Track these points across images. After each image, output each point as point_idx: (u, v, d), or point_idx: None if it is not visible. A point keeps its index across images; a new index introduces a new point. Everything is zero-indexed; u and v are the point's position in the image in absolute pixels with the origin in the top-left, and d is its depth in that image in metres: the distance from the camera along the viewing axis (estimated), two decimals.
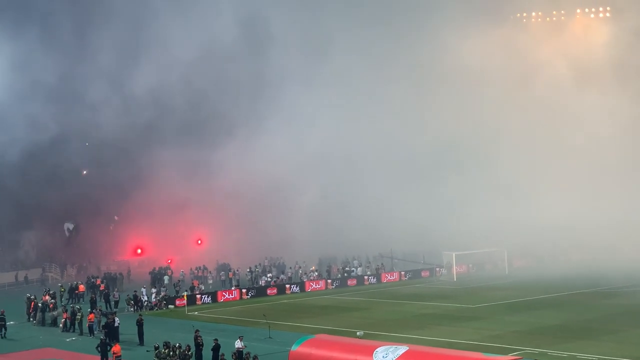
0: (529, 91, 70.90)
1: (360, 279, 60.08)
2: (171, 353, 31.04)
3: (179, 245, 70.29)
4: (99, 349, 34.22)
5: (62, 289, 53.62)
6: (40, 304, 45.18)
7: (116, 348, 33.30)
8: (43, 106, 65.20)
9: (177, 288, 53.88)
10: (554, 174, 69.44)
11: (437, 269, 63.38)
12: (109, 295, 50.60)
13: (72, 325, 41.99)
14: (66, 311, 43.33)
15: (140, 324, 38.25)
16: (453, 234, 62.67)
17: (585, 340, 35.27)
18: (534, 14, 78.04)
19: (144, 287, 52.08)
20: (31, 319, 45.45)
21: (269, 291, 54.99)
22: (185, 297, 49.54)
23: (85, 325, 40.76)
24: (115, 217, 74.19)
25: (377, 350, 25.88)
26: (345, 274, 60.96)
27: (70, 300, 51.83)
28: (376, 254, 67.27)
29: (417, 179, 68.01)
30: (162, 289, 53.79)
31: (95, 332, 39.86)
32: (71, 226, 76.02)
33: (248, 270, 61.92)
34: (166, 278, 60.30)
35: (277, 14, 69.09)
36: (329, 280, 58.48)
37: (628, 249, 65.84)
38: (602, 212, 65.62)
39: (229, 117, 70.41)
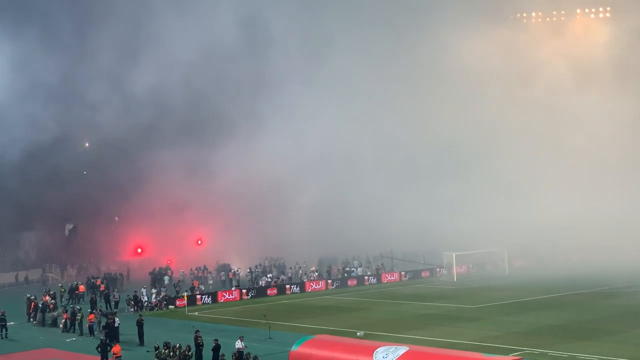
0: (529, 91, 70.94)
1: (360, 279, 60.07)
2: (171, 353, 31.01)
3: (179, 245, 70.27)
4: (99, 349, 34.22)
5: (62, 290, 53.64)
6: (40, 305, 45.17)
7: (116, 348, 33.29)
8: (43, 106, 65.20)
9: (177, 288, 53.89)
10: (554, 174, 69.49)
11: (438, 269, 63.37)
12: (109, 296, 50.60)
13: (72, 325, 41.98)
14: (66, 311, 43.31)
15: (140, 324, 38.24)
16: (453, 234, 62.65)
17: (586, 340, 35.25)
18: (534, 14, 78.07)
19: (144, 288, 52.08)
20: (31, 320, 45.44)
21: (269, 291, 54.99)
22: (185, 298, 49.53)
23: (86, 325, 40.73)
24: (116, 218, 74.11)
25: (377, 350, 25.87)
26: (346, 274, 60.96)
27: (71, 301, 51.84)
28: (376, 254, 67.27)
29: (417, 179, 68.01)
30: (162, 289, 53.79)
31: (95, 333, 39.84)
32: (70, 226, 76.03)
33: (248, 270, 61.91)
34: (166, 278, 60.32)
35: (277, 14, 69.13)
36: (329, 281, 58.47)
37: (628, 249, 65.90)
38: (602, 212, 65.67)
39: (228, 117, 70.41)
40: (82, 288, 54.25)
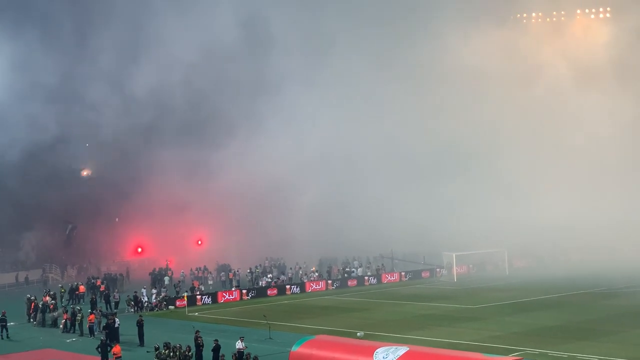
0: (529, 91, 70.97)
1: (360, 280, 60.06)
2: (171, 354, 31.03)
3: (179, 245, 70.25)
4: (99, 349, 34.24)
5: (63, 290, 53.66)
6: (40, 305, 45.18)
7: (116, 349, 33.31)
8: (43, 106, 65.19)
9: (178, 289, 53.90)
10: (554, 174, 69.52)
11: (438, 269, 63.36)
12: (109, 296, 50.61)
13: (72, 326, 41.98)
14: (66, 312, 43.31)
15: (140, 324, 38.25)
16: (453, 234, 62.68)
17: (586, 340, 35.26)
18: (534, 14, 78.08)
19: (144, 288, 52.05)
20: (31, 320, 45.45)
21: (269, 292, 54.98)
22: (185, 298, 49.52)
23: (86, 326, 40.75)
24: (116, 219, 74.10)
25: (377, 350, 25.88)
26: (346, 275, 60.94)
27: (71, 301, 51.86)
28: (376, 254, 67.24)
29: (417, 180, 68.03)
30: (162, 289, 53.78)
31: (95, 333, 39.84)
32: (71, 227, 76.04)
33: (248, 271, 61.91)
34: (166, 279, 60.33)
35: (277, 14, 69.13)
36: (329, 281, 58.46)
37: (628, 249, 65.86)
38: (602, 212, 65.69)
39: (229, 118, 70.42)
40: (82, 288, 54.27)
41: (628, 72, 69.33)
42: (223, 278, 62.00)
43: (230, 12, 68.70)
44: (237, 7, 68.61)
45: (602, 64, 69.64)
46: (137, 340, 37.93)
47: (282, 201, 68.90)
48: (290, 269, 63.68)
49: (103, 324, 40.24)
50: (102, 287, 54.14)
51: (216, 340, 32.30)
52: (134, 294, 49.57)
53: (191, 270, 63.56)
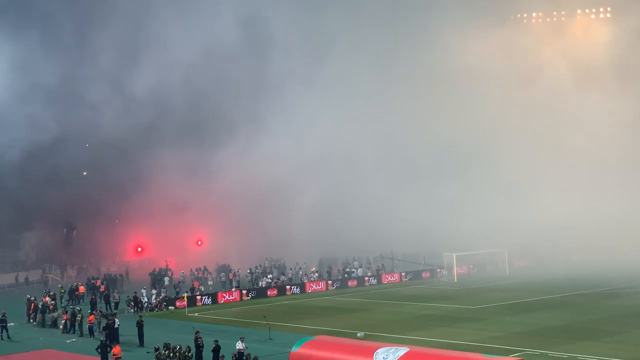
0: (530, 91, 70.95)
1: (360, 280, 60.02)
2: (171, 354, 31.01)
3: (179, 246, 70.22)
4: (99, 350, 34.22)
5: (62, 290, 53.62)
6: (40, 306, 45.14)
7: (116, 349, 33.29)
8: (43, 107, 65.20)
9: (178, 289, 53.86)
10: (555, 174, 69.50)
11: (438, 269, 63.33)
12: (109, 297, 50.57)
13: (72, 326, 41.95)
14: (66, 312, 43.28)
15: (140, 325, 38.22)
16: (453, 234, 62.66)
17: (587, 341, 35.23)
18: (534, 14, 78.06)
19: (144, 289, 52.01)
20: (31, 321, 45.42)
21: (269, 292, 54.94)
22: (185, 299, 49.48)
23: (86, 326, 40.71)
24: (116, 221, 74.06)
25: (377, 351, 25.85)
26: (346, 275, 60.90)
27: (71, 302, 51.82)
28: (377, 254, 67.22)
29: (417, 180, 68.01)
30: (162, 290, 53.74)
31: (95, 334, 39.80)
32: (71, 228, 76.03)
33: (248, 271, 61.87)
34: (166, 279, 60.29)
35: (278, 14, 69.14)
36: (330, 281, 58.42)
37: (628, 249, 65.83)
38: (603, 212, 65.67)
39: (229, 118, 70.41)
40: (82, 289, 54.22)
41: (628, 72, 69.32)
42: (223, 278, 61.95)
43: (230, 13, 68.77)
44: (238, 7, 68.67)
45: (602, 64, 69.65)
46: (137, 340, 37.90)
47: (282, 201, 68.88)
48: (290, 269, 63.63)
49: (103, 324, 40.22)
50: (102, 288, 54.12)
51: (216, 341, 32.26)
52: (134, 294, 49.53)
53: (191, 270, 63.51)
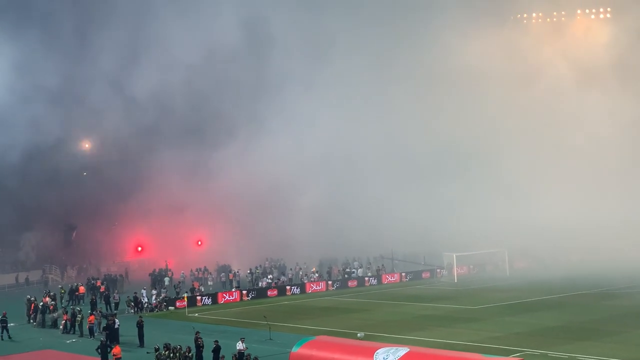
0: (530, 92, 70.90)
1: (360, 280, 60.02)
2: (171, 355, 31.03)
3: (179, 246, 70.21)
4: (99, 350, 34.26)
5: (63, 291, 53.67)
6: (40, 306, 45.16)
7: (116, 350, 33.32)
8: (44, 107, 65.17)
9: (178, 289, 53.87)
10: (555, 174, 69.43)
11: (438, 270, 63.32)
12: (109, 297, 50.60)
13: (72, 326, 41.98)
14: (66, 313, 43.31)
15: (140, 325, 38.24)
16: (453, 234, 62.62)
17: (587, 341, 35.24)
18: (534, 15, 78.02)
19: (144, 289, 52.04)
20: (31, 321, 45.45)
21: (269, 292, 54.95)
22: (185, 299, 49.49)
23: (86, 326, 40.74)
24: (116, 223, 74.03)
25: (377, 351, 25.86)
26: (346, 275, 60.92)
27: (71, 302, 51.87)
28: (377, 255, 67.22)
29: (417, 180, 67.97)
30: (162, 290, 53.74)
31: (95, 334, 39.83)
32: (71, 229, 76.05)
33: (248, 271, 61.86)
34: (167, 279, 60.30)
35: (278, 14, 69.07)
36: (330, 282, 58.42)
37: (629, 249, 65.77)
38: (603, 212, 65.57)
39: (229, 118, 70.39)
40: (82, 289, 54.27)
41: (628, 72, 69.29)
42: (223, 279, 61.97)
43: (230, 13, 68.66)
44: (238, 7, 68.56)
45: (602, 64, 69.58)
46: (137, 341, 37.92)
47: (282, 202, 68.84)
48: (291, 269, 63.64)
49: (103, 324, 40.23)
50: (102, 288, 54.15)
51: (216, 341, 32.28)
52: (134, 294, 49.55)
53: (191, 271, 63.53)
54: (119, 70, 67.88)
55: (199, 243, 73.79)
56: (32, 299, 46.48)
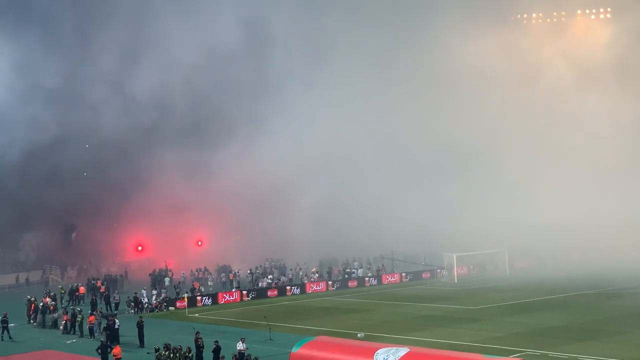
0: (530, 92, 70.87)
1: (361, 281, 60.01)
2: (172, 355, 31.03)
3: (179, 246, 70.20)
4: (99, 350, 34.26)
5: (63, 291, 53.65)
6: (40, 306, 45.15)
7: (116, 350, 33.33)
8: (44, 107, 65.19)
9: (178, 290, 53.86)
10: (555, 174, 69.42)
11: (438, 270, 63.30)
12: (110, 297, 50.59)
13: (72, 327, 41.96)
14: (66, 313, 43.29)
15: (140, 325, 38.24)
16: (454, 234, 62.58)
17: (588, 341, 35.24)
18: (534, 15, 78.01)
19: (145, 289, 52.03)
20: (32, 321, 45.43)
21: (269, 293, 54.94)
22: (185, 299, 49.49)
23: (86, 327, 40.74)
24: (115, 224, 74.00)
25: (377, 352, 25.86)
26: (346, 276, 60.90)
27: (71, 302, 51.86)
28: (377, 255, 67.19)
29: (417, 180, 67.96)
30: (162, 290, 53.73)
31: (95, 334, 39.83)
32: (71, 229, 76.03)
33: (249, 272, 61.85)
34: (167, 280, 60.28)
35: (278, 15, 69.09)
36: (330, 282, 58.41)
37: (629, 249, 65.73)
38: (603, 212, 65.55)
39: (229, 118, 70.38)
40: (82, 289, 54.27)
41: (628, 72, 69.26)
42: (223, 279, 61.95)
43: (230, 13, 68.70)
44: (238, 7, 68.60)
45: (603, 65, 69.56)
46: (137, 341, 37.92)
47: (282, 202, 68.85)
48: (291, 270, 63.62)
49: (103, 325, 40.23)
50: (102, 288, 54.13)
51: (216, 342, 32.29)
52: (134, 295, 49.54)
53: (191, 271, 63.52)
54: (119, 70, 67.93)
55: (199, 243, 73.78)
56: (33, 299, 46.46)
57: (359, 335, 36.43)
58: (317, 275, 60.19)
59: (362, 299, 52.39)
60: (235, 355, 31.05)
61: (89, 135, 71.69)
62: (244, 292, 53.99)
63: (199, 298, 51.42)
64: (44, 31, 65.03)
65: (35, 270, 68.48)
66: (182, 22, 69.02)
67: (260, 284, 58.36)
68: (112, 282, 58.12)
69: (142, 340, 37.85)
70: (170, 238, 69.30)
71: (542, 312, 43.66)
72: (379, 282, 60.31)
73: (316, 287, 56.99)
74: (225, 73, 70.13)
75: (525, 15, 78.25)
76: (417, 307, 47.45)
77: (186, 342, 33.21)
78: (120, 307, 49.18)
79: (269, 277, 59.93)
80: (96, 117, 69.02)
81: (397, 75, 69.69)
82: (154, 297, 50.36)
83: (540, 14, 78.02)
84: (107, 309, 48.10)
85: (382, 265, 64.68)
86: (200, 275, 62.53)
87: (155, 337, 36.97)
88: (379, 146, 70.67)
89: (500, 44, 70.24)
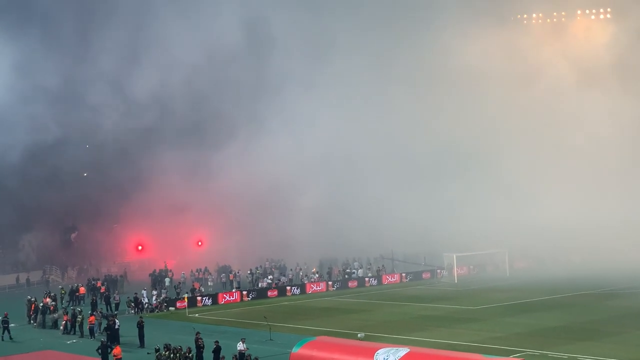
0: (530, 92, 70.90)
1: (361, 281, 60.01)
2: (172, 355, 31.05)
3: (180, 246, 70.21)
4: (99, 351, 34.29)
5: (63, 292, 53.64)
6: (40, 306, 45.16)
7: (117, 350, 33.35)
8: (44, 107, 65.19)
9: (178, 290, 53.86)
10: (555, 174, 69.44)
11: (438, 270, 63.28)
12: (110, 298, 50.60)
13: (72, 327, 41.97)
14: (67, 313, 43.30)
15: (140, 326, 38.26)
16: (454, 235, 62.59)
17: (587, 341, 35.26)
18: (534, 15, 78.02)
19: (145, 289, 52.04)
20: (32, 322, 45.44)
21: (269, 293, 54.95)
22: (185, 299, 49.51)
23: (86, 327, 40.76)
24: (115, 225, 74.00)
25: (378, 352, 25.88)
26: (346, 276, 60.90)
27: (71, 303, 51.85)
28: (377, 255, 67.17)
29: (417, 180, 67.96)
30: (162, 291, 53.74)
31: (95, 335, 39.85)
32: (71, 230, 76.03)
33: (249, 272, 61.85)
34: (167, 280, 60.27)
35: (278, 15, 69.08)
36: (330, 282, 58.41)
37: (629, 249, 65.77)
38: (603, 212, 65.57)
39: (230, 119, 70.38)
40: (82, 290, 54.26)
41: (628, 72, 69.30)
42: (223, 279, 61.93)
43: (230, 13, 68.69)
44: (238, 7, 68.60)
45: (603, 65, 69.60)
46: (137, 341, 37.94)
47: (282, 202, 68.84)
48: (291, 270, 63.60)
49: (103, 325, 40.24)
50: (103, 289, 54.14)
51: (217, 342, 32.32)
52: (134, 295, 49.55)
53: (191, 271, 63.51)
54: (119, 70, 67.91)
55: (199, 243, 73.78)
56: (33, 299, 46.47)
57: (359, 335, 36.44)
58: (317, 275, 60.20)
59: (362, 299, 52.40)
60: (236, 356, 31.07)
61: (89, 136, 71.70)
62: (244, 293, 54.00)
63: (199, 298, 51.43)
64: (44, 31, 65.08)
65: (35, 271, 68.44)
66: (182, 22, 69.03)
67: (260, 284, 58.36)
68: (112, 282, 58.13)
69: (143, 340, 37.88)
70: (171, 238, 69.31)
71: (542, 312, 43.67)
72: (379, 282, 60.31)
73: (316, 287, 57.00)
74: (225, 73, 70.15)
75: (525, 16, 78.26)
76: (417, 308, 47.46)
77: (186, 342, 33.23)
78: (120, 308, 49.18)
79: (269, 277, 59.92)
80: (96, 118, 69.05)
81: (397, 75, 69.69)
82: (154, 298, 50.37)
83: (540, 14, 78.04)
84: (107, 310, 48.11)
85: (382, 266, 64.67)
86: (201, 276, 62.52)
87: (156, 337, 36.99)
88: (379, 146, 70.65)
89: (500, 44, 70.26)
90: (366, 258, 66.65)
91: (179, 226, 69.42)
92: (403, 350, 25.61)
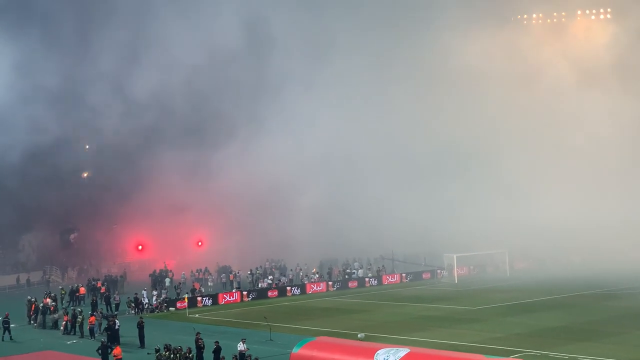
0: (530, 92, 70.93)
1: (361, 281, 60.01)
2: (172, 356, 31.06)
3: (180, 247, 70.19)
4: (99, 351, 34.30)
5: (63, 292, 53.63)
6: (41, 307, 45.15)
7: (117, 351, 33.35)
8: (44, 108, 65.17)
9: (178, 290, 53.85)
10: (555, 175, 69.46)
11: (439, 270, 63.30)
12: (110, 298, 50.60)
13: (72, 327, 41.98)
14: (67, 314, 43.31)
15: (141, 326, 38.27)
16: (454, 235, 62.60)
17: (587, 342, 35.27)
18: (534, 15, 78.06)
19: (145, 290, 52.04)
20: (32, 322, 45.44)
21: (269, 293, 54.95)
22: (186, 300, 49.51)
23: (86, 327, 40.77)
24: (115, 225, 73.98)
25: (378, 352, 25.88)
26: (346, 276, 60.90)
27: (71, 303, 51.85)
28: (377, 255, 67.14)
29: (417, 180, 67.97)
30: (162, 291, 53.74)
31: (96, 335, 39.86)
32: (71, 231, 76.01)
33: (249, 272, 61.84)
34: (167, 280, 60.26)
35: (278, 15, 69.11)
36: (330, 283, 58.40)
37: (629, 249, 65.79)
38: (603, 212, 65.59)
39: (230, 119, 70.38)
40: (82, 290, 54.25)
41: (628, 72, 69.34)
42: (223, 280, 61.89)
43: (231, 14, 68.69)
44: (238, 8, 68.59)
45: (603, 65, 69.63)
46: (137, 342, 37.95)
47: (282, 202, 68.84)
48: (291, 270, 63.56)
49: (104, 325, 40.25)
50: (103, 289, 54.13)
51: (217, 342, 32.33)
52: (135, 295, 49.55)
53: (192, 271, 63.49)
54: (119, 71, 67.91)
55: (199, 244, 73.76)
56: (33, 300, 46.47)
57: (359, 335, 36.46)
58: (317, 275, 60.19)
59: (363, 300, 52.40)
60: (236, 356, 31.06)
61: (89, 136, 71.70)
62: (244, 293, 54.00)
63: (199, 299, 51.43)
64: (44, 31, 65.09)
65: (35, 271, 68.43)
66: (182, 22, 69.04)
67: (260, 285, 58.35)
68: (112, 282, 58.11)
69: (143, 340, 37.88)
70: (171, 238, 69.28)
71: (542, 313, 43.68)
72: (379, 282, 60.32)
73: (316, 287, 57.00)
74: (226, 73, 70.15)
75: (525, 16, 78.29)
76: (418, 308, 47.47)
77: (186, 342, 33.23)
78: (120, 308, 49.18)
79: (269, 277, 59.91)
80: (96, 118, 69.04)
81: (397, 75, 69.70)
82: (154, 298, 50.38)
83: (541, 15, 78.07)
84: (107, 310, 48.11)
85: (383, 266, 64.65)
86: (201, 276, 62.49)
87: (156, 337, 37.00)
88: (379, 146, 70.65)
89: (500, 44, 70.29)
90: (366, 258, 66.63)
91: (179, 226, 69.40)
92: (403, 351, 25.61)
